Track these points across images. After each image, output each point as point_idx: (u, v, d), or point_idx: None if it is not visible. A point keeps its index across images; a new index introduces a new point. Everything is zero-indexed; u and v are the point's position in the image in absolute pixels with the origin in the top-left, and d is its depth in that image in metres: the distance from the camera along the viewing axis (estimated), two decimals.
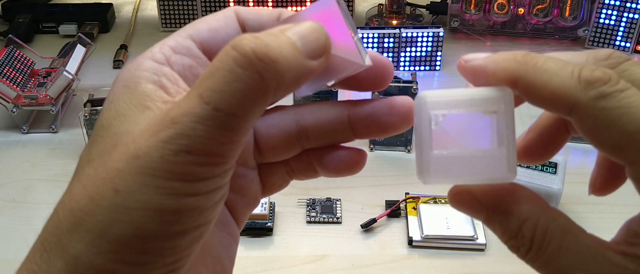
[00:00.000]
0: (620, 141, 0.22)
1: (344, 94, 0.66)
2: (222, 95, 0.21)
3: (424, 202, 0.60)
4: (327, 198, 0.62)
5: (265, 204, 0.59)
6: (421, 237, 0.57)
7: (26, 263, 0.24)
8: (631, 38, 0.88)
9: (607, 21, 0.89)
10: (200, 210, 0.22)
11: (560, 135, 0.29)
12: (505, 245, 0.25)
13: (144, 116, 0.23)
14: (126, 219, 0.21)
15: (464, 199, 0.25)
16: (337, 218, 0.60)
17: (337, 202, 0.62)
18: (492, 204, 0.25)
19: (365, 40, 0.83)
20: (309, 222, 0.60)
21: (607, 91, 0.22)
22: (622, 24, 0.88)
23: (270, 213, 0.60)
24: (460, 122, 0.25)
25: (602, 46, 0.90)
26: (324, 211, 0.61)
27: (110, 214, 0.21)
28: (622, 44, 0.89)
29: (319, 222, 0.60)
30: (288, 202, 0.62)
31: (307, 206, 0.62)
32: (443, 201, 0.61)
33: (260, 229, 0.59)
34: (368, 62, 0.26)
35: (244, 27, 0.28)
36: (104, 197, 0.22)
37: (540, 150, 0.29)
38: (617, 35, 0.89)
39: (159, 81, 0.24)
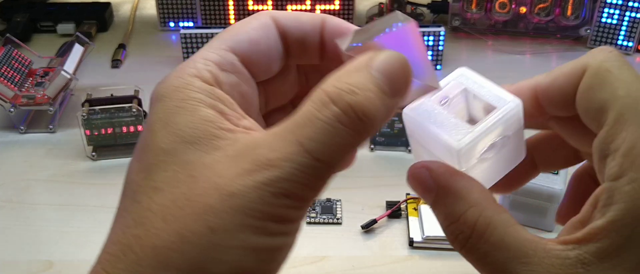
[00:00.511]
0: (607, 101, 0.24)
1: None
2: (323, 147, 0.22)
3: (425, 203, 0.60)
4: (327, 199, 0.62)
5: None
6: (422, 238, 0.57)
7: None
8: (633, 37, 0.88)
9: (609, 20, 0.88)
10: (288, 248, 0.23)
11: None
12: (444, 233, 0.26)
13: (215, 146, 0.23)
14: (223, 258, 0.21)
15: (420, 175, 0.26)
16: (337, 219, 0.60)
17: (337, 203, 0.61)
18: (444, 184, 0.25)
19: None
20: (309, 223, 0.60)
21: (613, 57, 0.25)
22: (625, 23, 0.87)
23: None
24: (469, 102, 0.28)
25: (604, 45, 0.90)
26: (324, 212, 0.60)
27: (205, 252, 0.21)
28: (625, 43, 0.89)
29: (319, 223, 0.60)
30: None
31: None
32: None
33: None
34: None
35: (285, 36, 0.27)
36: (197, 235, 0.21)
37: (507, 184, 0.31)
38: (619, 34, 0.89)
39: (216, 106, 0.24)
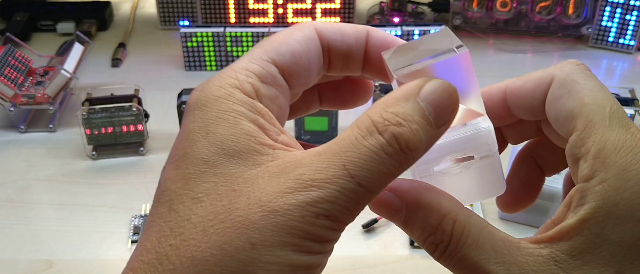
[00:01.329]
0: (575, 108, 0.25)
1: None
2: (367, 173, 0.22)
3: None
4: None
5: None
6: None
7: None
8: (635, 36, 0.88)
9: (610, 19, 0.88)
10: (323, 266, 0.23)
11: (537, 179, 0.31)
12: (422, 247, 0.26)
13: (257, 161, 0.23)
14: None
15: (384, 198, 0.26)
16: None
17: None
18: (413, 200, 0.25)
19: None
20: None
21: (579, 69, 0.26)
22: (626, 22, 0.87)
23: None
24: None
25: (606, 44, 0.90)
26: None
27: (244, 267, 0.21)
28: (626, 42, 0.88)
29: None
30: None
31: None
32: None
33: None
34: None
35: (328, 49, 0.27)
36: (238, 250, 0.21)
37: (524, 197, 0.31)
38: (620, 33, 0.88)
39: (257, 120, 0.24)
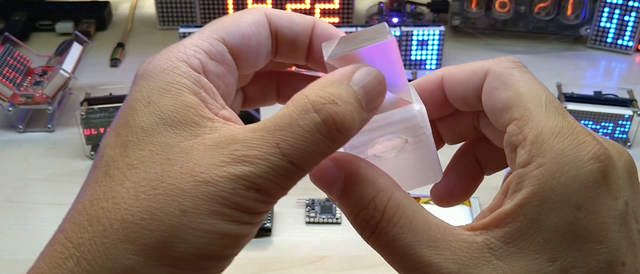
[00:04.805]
0: (511, 99, 0.25)
1: None
2: (299, 152, 0.23)
3: (425, 203, 0.60)
4: (326, 198, 0.62)
5: None
6: None
7: (52, 268, 0.23)
8: (634, 37, 0.88)
9: (609, 20, 0.88)
10: (250, 236, 0.24)
11: (476, 175, 0.31)
12: (353, 224, 0.25)
13: (194, 132, 0.24)
14: (191, 240, 0.22)
15: (324, 166, 0.26)
16: (337, 219, 0.60)
17: None
18: (351, 171, 0.25)
19: None
20: (309, 222, 0.60)
21: (515, 65, 0.27)
22: (624, 22, 0.87)
23: (269, 213, 0.59)
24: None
25: (604, 45, 0.90)
26: (323, 212, 0.60)
27: (173, 232, 0.22)
28: (625, 43, 0.89)
29: (319, 222, 0.60)
30: (287, 202, 0.61)
31: (307, 206, 0.61)
32: None
33: (259, 230, 0.58)
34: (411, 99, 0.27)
35: (276, 35, 0.28)
36: (168, 215, 0.22)
37: (459, 192, 0.31)
38: (619, 34, 0.88)
39: (199, 94, 0.25)
